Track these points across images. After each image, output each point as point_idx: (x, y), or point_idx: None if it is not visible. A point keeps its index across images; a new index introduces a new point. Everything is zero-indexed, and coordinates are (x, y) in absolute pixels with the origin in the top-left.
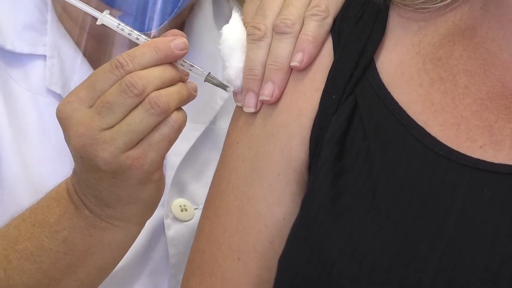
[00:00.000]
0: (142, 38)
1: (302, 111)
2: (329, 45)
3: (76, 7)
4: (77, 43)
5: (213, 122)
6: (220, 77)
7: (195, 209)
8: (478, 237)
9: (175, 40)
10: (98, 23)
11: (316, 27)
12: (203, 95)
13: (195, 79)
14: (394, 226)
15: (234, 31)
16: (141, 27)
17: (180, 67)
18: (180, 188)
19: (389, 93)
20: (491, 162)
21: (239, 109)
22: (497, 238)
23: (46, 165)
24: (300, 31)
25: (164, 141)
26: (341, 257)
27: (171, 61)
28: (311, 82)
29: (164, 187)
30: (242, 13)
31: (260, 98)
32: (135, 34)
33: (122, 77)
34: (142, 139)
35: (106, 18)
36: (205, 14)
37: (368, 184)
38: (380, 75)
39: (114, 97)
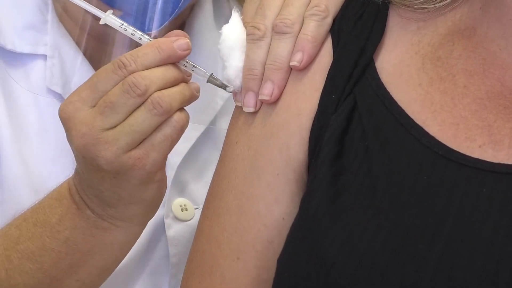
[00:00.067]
0: (145, 38)
1: (302, 110)
2: (328, 45)
3: (76, 7)
4: (78, 43)
5: (213, 122)
6: (220, 77)
7: (196, 208)
8: (476, 236)
9: (178, 40)
10: (101, 22)
11: (316, 27)
12: (203, 95)
13: (197, 79)
14: (393, 225)
15: (233, 31)
16: (142, 28)
17: (183, 67)
18: (181, 188)
19: (388, 93)
20: (490, 162)
21: (238, 109)
22: (495, 238)
23: (46, 165)
24: (300, 31)
25: (166, 141)
26: (340, 256)
27: (174, 61)
28: (311, 81)
29: (166, 187)
30: (242, 13)
31: (259, 98)
32: (138, 34)
33: (125, 77)
34: (144, 139)
35: (109, 18)
36: (206, 14)
37: (367, 184)
38: (379, 75)
39: (116, 97)
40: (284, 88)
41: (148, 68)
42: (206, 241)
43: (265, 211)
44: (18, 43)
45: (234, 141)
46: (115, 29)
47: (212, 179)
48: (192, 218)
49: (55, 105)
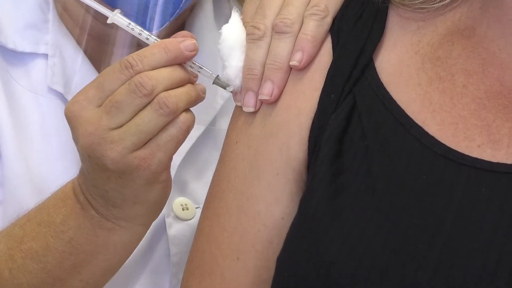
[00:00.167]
0: (152, 38)
1: (301, 110)
2: (328, 44)
3: (76, 6)
4: (78, 42)
5: (213, 121)
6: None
7: (197, 208)
8: (476, 236)
9: (185, 41)
10: (108, 21)
11: (316, 26)
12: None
13: (203, 80)
14: (392, 225)
15: (233, 31)
16: (142, 28)
17: (189, 68)
18: (181, 187)
19: (387, 93)
20: (489, 161)
21: (238, 109)
22: (495, 237)
23: (47, 164)
24: (300, 30)
25: (172, 141)
26: (339, 256)
27: (181, 62)
28: (310, 81)
29: (170, 188)
30: (241, 12)
31: (259, 98)
32: (145, 34)
33: (131, 77)
34: (150, 139)
35: (116, 17)
36: (206, 14)
37: (366, 183)
38: (379, 75)
39: (123, 97)
40: (284, 88)
41: (155, 69)
42: (206, 241)
43: (265, 211)
44: (19, 42)
45: (234, 141)
46: (115, 28)
47: (212, 179)
48: (193, 218)
49: (57, 104)
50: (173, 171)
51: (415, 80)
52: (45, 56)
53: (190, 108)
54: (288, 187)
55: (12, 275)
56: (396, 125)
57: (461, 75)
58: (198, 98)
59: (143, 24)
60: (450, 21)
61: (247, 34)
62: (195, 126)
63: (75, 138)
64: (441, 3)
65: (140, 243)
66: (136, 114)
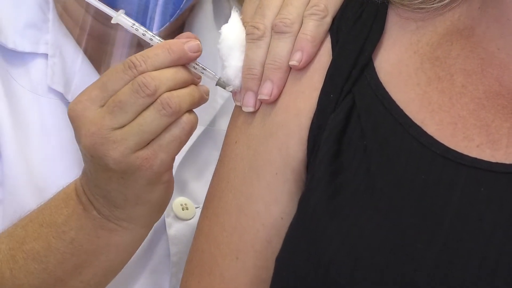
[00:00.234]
0: (156, 39)
1: (300, 110)
2: (327, 44)
3: (76, 6)
4: (78, 42)
5: (213, 121)
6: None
7: (196, 207)
8: (475, 235)
9: (189, 42)
10: (113, 21)
11: (315, 26)
12: None
13: (206, 82)
14: (391, 224)
15: (233, 31)
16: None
17: (193, 69)
18: (181, 187)
19: (386, 92)
20: (488, 161)
21: (238, 109)
22: (494, 237)
23: (47, 164)
24: (299, 30)
25: (174, 142)
26: (338, 255)
27: (184, 63)
28: (310, 81)
29: (172, 189)
30: (241, 12)
31: (259, 97)
32: (149, 35)
33: (135, 77)
34: (152, 139)
35: (120, 18)
36: (206, 14)
37: (365, 183)
38: (378, 74)
39: (126, 97)
40: (283, 88)
41: (158, 69)
42: (205, 240)
43: (264, 211)
44: (19, 42)
45: (233, 140)
46: (115, 28)
47: (211, 179)
48: (192, 217)
49: (57, 104)
50: (173, 171)
51: (414, 80)
52: (45, 55)
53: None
54: (287, 187)
55: (13, 275)
56: (395, 124)
57: (460, 75)
58: (201, 99)
59: (143, 25)
60: (449, 21)
61: (247, 34)
62: None
63: (78, 138)
64: (440, 3)
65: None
66: (139, 114)
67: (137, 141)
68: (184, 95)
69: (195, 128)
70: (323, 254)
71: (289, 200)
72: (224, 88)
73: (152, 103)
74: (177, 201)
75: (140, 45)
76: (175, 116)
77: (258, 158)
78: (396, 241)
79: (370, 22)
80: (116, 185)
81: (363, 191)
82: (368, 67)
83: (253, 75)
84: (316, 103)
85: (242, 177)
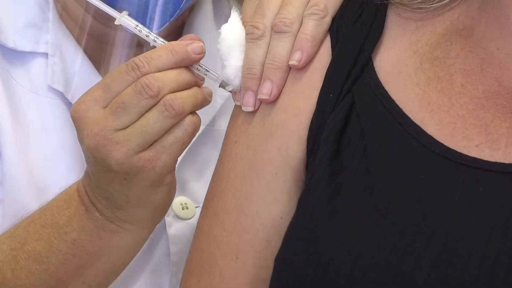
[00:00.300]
0: (160, 40)
1: (300, 110)
2: (327, 44)
3: (75, 6)
4: (78, 42)
5: (213, 121)
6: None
7: (196, 207)
8: (474, 235)
9: (192, 44)
10: (116, 23)
11: (315, 26)
12: None
13: (209, 84)
14: (390, 224)
15: (233, 30)
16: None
17: (196, 71)
18: (181, 186)
19: (386, 92)
20: (487, 161)
21: (237, 108)
22: (492, 236)
23: (47, 163)
24: (299, 30)
25: (177, 144)
26: (337, 254)
27: (187, 65)
28: (309, 81)
29: (175, 191)
30: (241, 12)
31: (258, 97)
32: (152, 36)
33: (138, 78)
34: (155, 141)
35: (124, 19)
36: (205, 14)
37: (364, 182)
38: (377, 74)
39: (129, 98)
40: (283, 87)
41: (162, 71)
42: (205, 240)
43: (263, 210)
44: (19, 41)
45: (233, 140)
46: (114, 28)
47: (211, 178)
48: (192, 217)
49: (57, 104)
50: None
51: (414, 79)
52: (45, 55)
53: None
54: (287, 187)
55: (15, 276)
56: (394, 124)
57: (459, 75)
58: (205, 101)
59: (142, 24)
60: (448, 20)
61: (247, 34)
62: None
63: (81, 138)
64: (439, 3)
65: None
66: (142, 116)
67: (139, 142)
68: (187, 97)
69: (198, 130)
70: (322, 253)
71: (288, 200)
72: (224, 88)
73: (155, 105)
74: (177, 200)
75: (140, 44)
76: (178, 118)
77: (258, 158)
78: (395, 240)
79: (370, 22)
80: (118, 186)
81: (362, 190)
82: (367, 66)
83: (252, 74)
84: (316, 102)
85: (242, 176)
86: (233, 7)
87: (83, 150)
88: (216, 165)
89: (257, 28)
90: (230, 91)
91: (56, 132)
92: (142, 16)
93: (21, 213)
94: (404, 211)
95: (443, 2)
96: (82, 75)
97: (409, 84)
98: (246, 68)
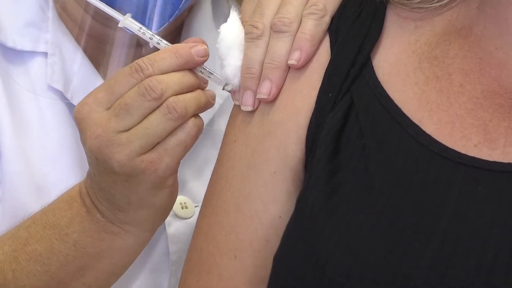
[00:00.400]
0: (163, 43)
1: (299, 109)
2: (326, 43)
3: (74, 6)
4: (77, 42)
5: (212, 121)
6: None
7: (196, 206)
8: (472, 234)
9: (196, 46)
10: (120, 25)
11: (314, 25)
12: None
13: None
14: (388, 223)
15: (232, 30)
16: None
17: (199, 74)
18: (181, 186)
19: (385, 91)
20: (485, 160)
21: (236, 108)
22: (491, 236)
23: (47, 162)
24: (298, 29)
25: (180, 146)
26: (335, 253)
27: (191, 67)
28: (308, 80)
29: (177, 193)
30: (240, 12)
31: (257, 97)
32: (156, 39)
33: (141, 80)
34: (158, 143)
35: (127, 21)
36: (205, 14)
37: (363, 182)
38: (376, 73)
39: (132, 100)
40: (282, 87)
41: (165, 73)
42: (204, 239)
43: (262, 210)
44: (19, 41)
45: (232, 139)
46: (113, 28)
47: (210, 178)
48: (192, 216)
49: (56, 103)
50: None
51: (412, 79)
52: (45, 54)
53: None
54: (286, 186)
55: (16, 277)
56: (393, 123)
57: (458, 75)
58: (208, 104)
59: (142, 25)
60: (447, 20)
61: (246, 33)
62: None
63: (83, 140)
64: (439, 3)
65: None
66: (145, 118)
67: (142, 144)
68: (190, 100)
69: (201, 133)
70: (321, 252)
71: (287, 199)
72: (223, 88)
73: (158, 107)
74: (176, 200)
75: (139, 44)
76: (181, 120)
77: (257, 157)
78: (394, 240)
79: (369, 21)
80: (120, 188)
81: (361, 190)
82: (366, 66)
83: (252, 74)
84: (315, 102)
85: (241, 176)
86: (232, 6)
87: (85, 151)
88: (215, 164)
89: (256, 28)
90: (229, 91)
91: (55, 131)
92: (141, 17)
93: (20, 212)
94: (402, 210)
95: (442, 2)
96: (82, 75)
97: (408, 83)
98: (245, 68)
